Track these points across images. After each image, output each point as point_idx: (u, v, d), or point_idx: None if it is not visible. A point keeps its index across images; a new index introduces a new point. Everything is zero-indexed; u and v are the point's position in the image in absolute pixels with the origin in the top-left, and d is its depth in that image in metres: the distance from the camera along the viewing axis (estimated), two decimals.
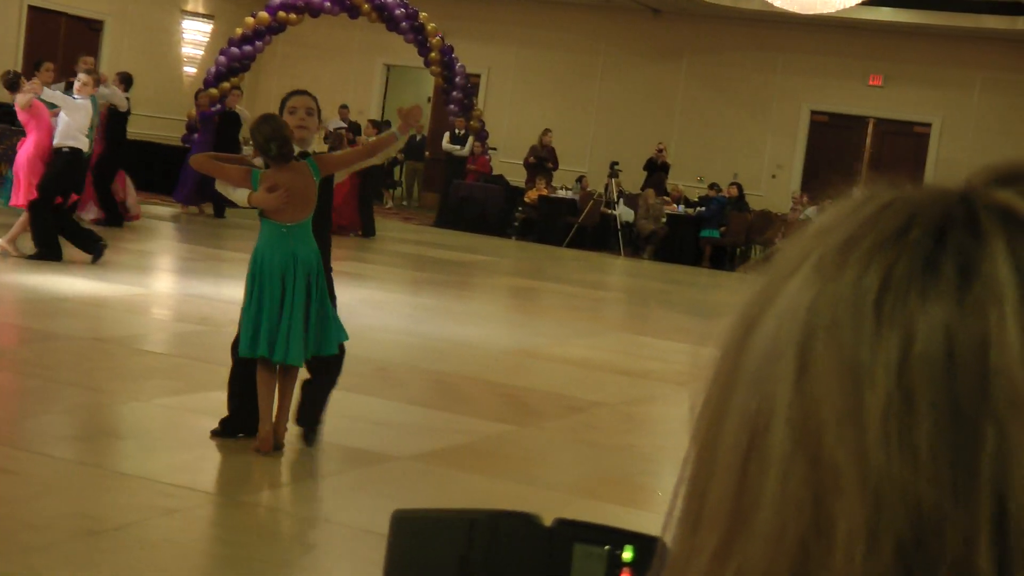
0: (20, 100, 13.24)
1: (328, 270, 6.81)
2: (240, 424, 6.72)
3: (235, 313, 10.97)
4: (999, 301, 0.53)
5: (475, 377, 9.34)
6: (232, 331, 10.15)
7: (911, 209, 0.57)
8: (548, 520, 0.87)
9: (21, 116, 13.33)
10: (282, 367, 6.55)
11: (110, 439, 6.86)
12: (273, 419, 6.54)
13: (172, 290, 12.05)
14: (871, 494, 0.52)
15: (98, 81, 14.43)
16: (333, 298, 6.79)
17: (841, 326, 0.55)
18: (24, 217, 12.85)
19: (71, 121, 12.89)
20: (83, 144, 12.98)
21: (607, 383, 9.92)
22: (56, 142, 12.89)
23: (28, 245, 12.81)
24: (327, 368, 6.89)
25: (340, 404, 8.04)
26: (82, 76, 13.48)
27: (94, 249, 12.76)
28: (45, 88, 13.37)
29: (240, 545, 5.39)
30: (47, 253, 12.65)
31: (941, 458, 0.52)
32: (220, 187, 6.66)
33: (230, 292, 12.28)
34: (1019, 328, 0.53)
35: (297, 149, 6.54)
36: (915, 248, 0.55)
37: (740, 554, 0.55)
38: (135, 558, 5.03)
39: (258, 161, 6.59)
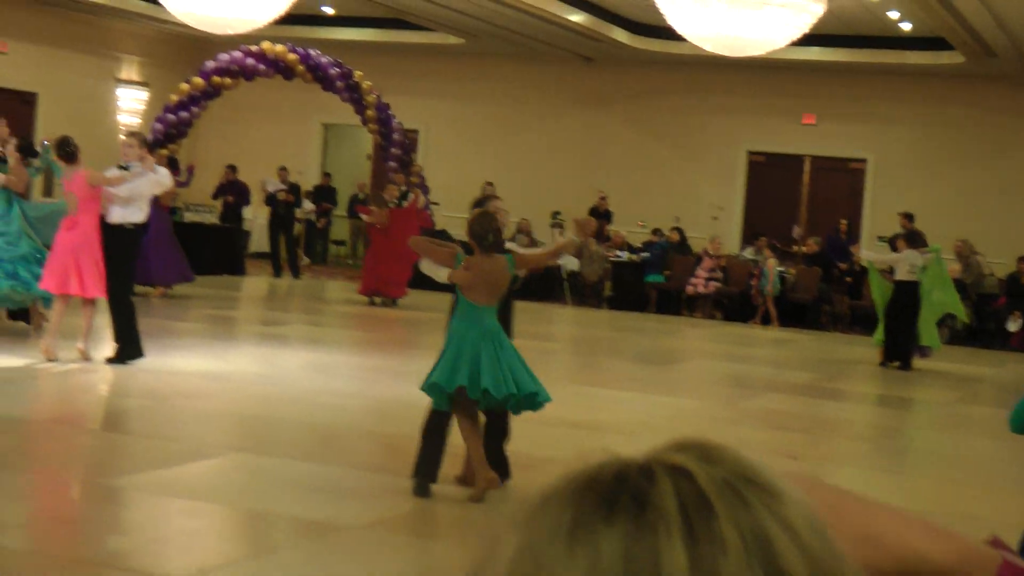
0: (100, 178, 11.58)
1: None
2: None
3: (182, 385, 10.92)
4: (667, 523, 0.68)
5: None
6: (179, 403, 10.09)
7: (598, 466, 0.72)
8: None
9: (85, 192, 11.41)
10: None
11: (58, 525, 6.77)
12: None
13: (118, 365, 11.92)
14: None
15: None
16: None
17: (542, 553, 0.69)
18: (91, 311, 11.52)
19: (145, 194, 11.66)
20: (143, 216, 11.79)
21: (558, 438, 9.90)
22: (124, 218, 11.57)
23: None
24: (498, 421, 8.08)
25: (287, 473, 7.99)
26: (129, 140, 11.87)
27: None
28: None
29: None
30: (132, 351, 11.75)
31: None
32: (426, 266, 7.79)
33: (176, 363, 12.18)
34: (683, 544, 0.68)
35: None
36: (600, 489, 0.70)
37: None
38: None
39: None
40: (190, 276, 19.08)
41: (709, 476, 0.69)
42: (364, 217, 21.19)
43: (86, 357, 11.50)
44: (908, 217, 23.00)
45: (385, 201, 20.62)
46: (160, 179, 11.77)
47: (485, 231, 7.65)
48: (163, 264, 18.45)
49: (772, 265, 23.08)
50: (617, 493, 0.70)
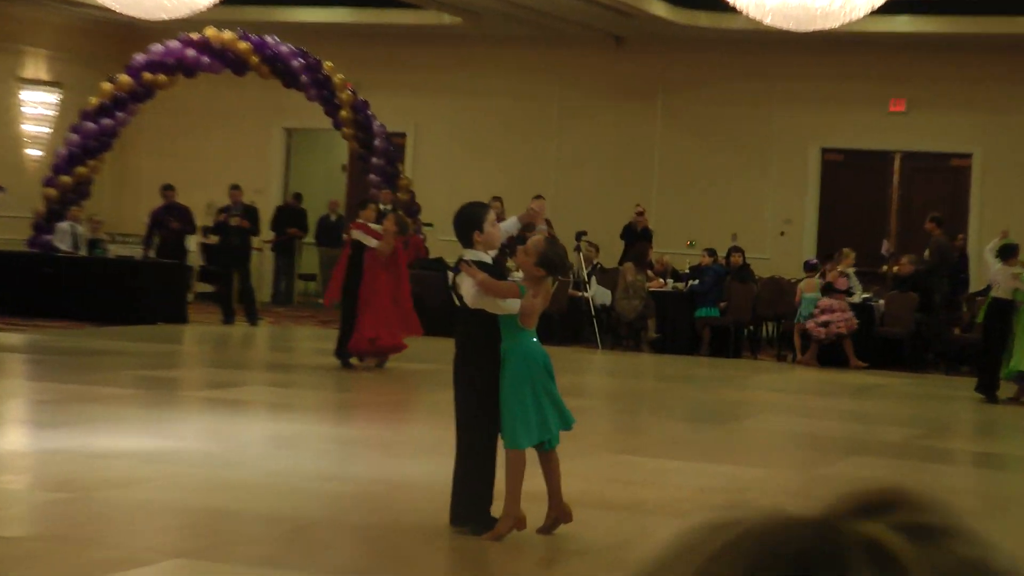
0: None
1: None
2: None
3: (109, 471, 10.82)
4: None
5: (418, 528, 9.19)
6: (105, 495, 9.99)
7: (764, 546, 0.66)
8: None
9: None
10: (545, 453, 9.26)
11: None
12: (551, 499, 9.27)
13: (21, 446, 11.84)
14: None
15: None
16: None
17: None
18: None
19: None
20: None
21: (589, 523, 9.77)
22: None
23: None
24: None
25: None
26: None
27: None
28: None
29: None
30: None
31: None
32: (485, 301, 9.01)
33: (102, 442, 12.05)
34: None
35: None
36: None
37: None
38: None
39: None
40: None
41: (920, 562, 0.64)
42: (366, 240, 18.54)
43: None
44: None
45: (407, 225, 19.74)
46: None
47: (562, 258, 9.50)
48: None
49: (804, 287, 22.95)
50: None
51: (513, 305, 8.95)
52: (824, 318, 22.50)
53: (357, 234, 18.97)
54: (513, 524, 8.92)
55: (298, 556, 8.56)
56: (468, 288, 8.95)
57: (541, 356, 9.18)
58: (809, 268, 23.55)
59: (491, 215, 9.36)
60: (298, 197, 29.32)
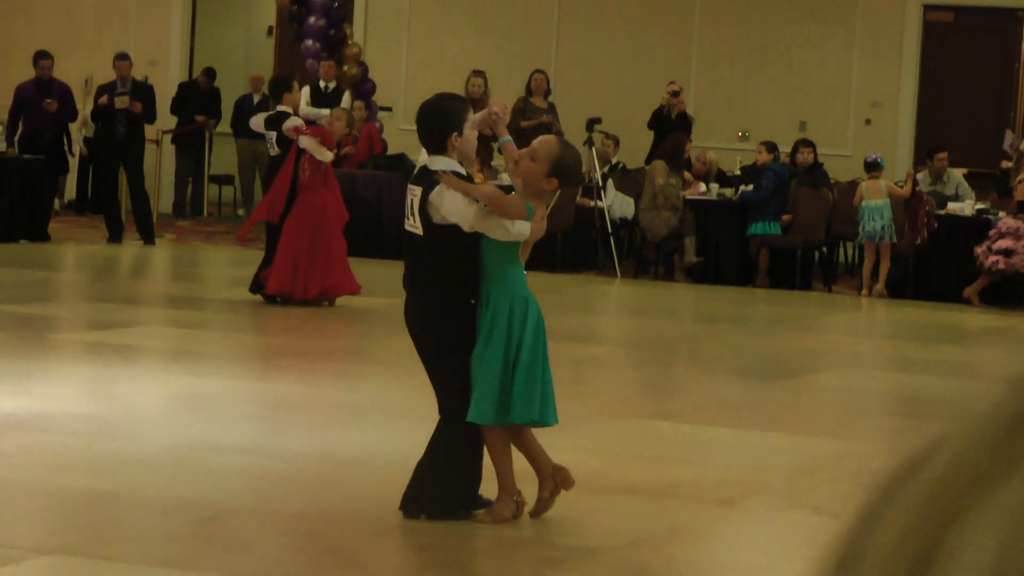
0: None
1: None
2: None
3: None
4: None
5: (373, 518, 9.24)
6: None
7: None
8: None
9: None
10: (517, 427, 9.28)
11: None
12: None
13: None
14: None
15: None
16: None
17: None
18: None
19: None
20: None
21: (602, 512, 9.84)
22: None
23: None
24: None
25: None
26: None
27: None
28: None
29: None
30: None
31: None
32: (490, 223, 9.00)
33: None
34: None
35: None
36: None
37: None
38: None
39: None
40: None
41: None
42: (319, 153, 18.06)
43: None
44: None
45: (352, 119, 19.79)
46: None
47: (579, 165, 10.02)
48: None
49: (867, 191, 22.70)
50: None
51: (522, 230, 9.02)
52: (1005, 244, 22.24)
53: (308, 143, 18.19)
54: (516, 509, 9.04)
55: (208, 555, 8.62)
56: (459, 207, 8.87)
57: (536, 303, 9.28)
58: (871, 167, 23.28)
59: (470, 113, 9.38)
60: (208, 72, 29.21)
